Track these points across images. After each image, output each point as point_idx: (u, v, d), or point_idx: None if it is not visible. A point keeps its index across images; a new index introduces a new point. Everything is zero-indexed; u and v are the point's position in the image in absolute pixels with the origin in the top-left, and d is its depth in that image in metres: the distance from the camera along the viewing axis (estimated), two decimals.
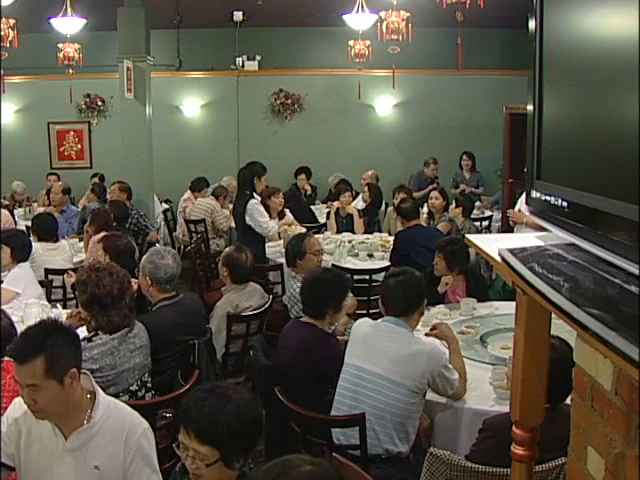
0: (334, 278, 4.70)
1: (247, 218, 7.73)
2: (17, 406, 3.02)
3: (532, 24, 1.73)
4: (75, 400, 2.92)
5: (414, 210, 7.52)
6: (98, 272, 4.18)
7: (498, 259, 1.76)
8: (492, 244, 1.88)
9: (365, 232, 9.20)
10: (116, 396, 4.03)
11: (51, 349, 2.83)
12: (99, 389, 3.06)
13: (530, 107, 1.75)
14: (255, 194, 7.93)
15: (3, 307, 4.75)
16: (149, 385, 4.28)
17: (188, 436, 2.54)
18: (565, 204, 1.56)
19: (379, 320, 4.20)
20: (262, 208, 7.91)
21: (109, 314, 4.10)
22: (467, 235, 2.18)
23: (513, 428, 2.06)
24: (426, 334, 4.31)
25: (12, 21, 8.99)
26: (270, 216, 8.70)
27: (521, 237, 1.93)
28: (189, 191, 11.24)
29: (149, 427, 3.07)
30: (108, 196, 9.99)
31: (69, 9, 9.89)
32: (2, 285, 5.71)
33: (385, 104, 13.68)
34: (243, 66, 13.61)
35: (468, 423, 3.82)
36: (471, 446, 3.45)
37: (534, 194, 1.77)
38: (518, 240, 1.84)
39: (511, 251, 1.68)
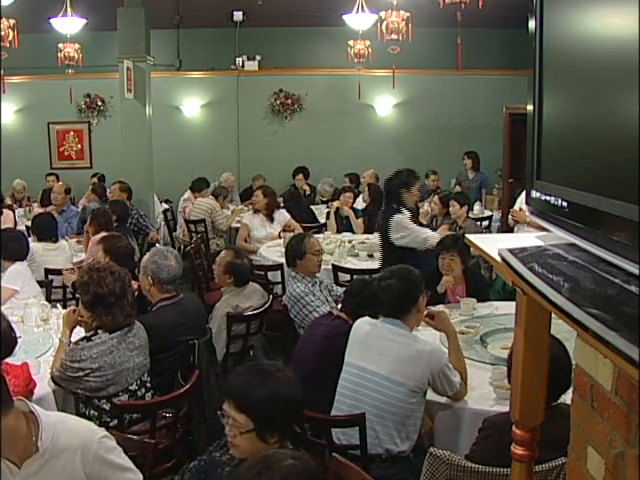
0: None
1: (392, 234, 6.52)
2: None
3: (532, 24, 1.73)
4: (6, 434, 2.64)
5: (416, 210, 7.61)
6: (99, 272, 4.18)
7: (498, 259, 1.75)
8: (492, 244, 1.88)
9: (365, 232, 9.19)
10: (115, 395, 4.04)
11: None
12: (40, 411, 2.82)
13: (530, 107, 1.75)
14: (404, 208, 6.63)
15: (2, 307, 4.75)
16: (148, 385, 4.29)
17: (228, 404, 2.72)
18: (565, 204, 1.56)
19: (378, 320, 4.19)
20: (410, 224, 6.61)
21: (112, 313, 4.11)
22: (467, 235, 2.18)
23: (513, 428, 2.06)
24: (424, 320, 4.29)
25: (12, 21, 8.99)
26: (256, 212, 8.83)
27: (521, 237, 1.93)
28: (189, 191, 11.25)
29: (105, 434, 2.87)
30: (109, 195, 10.01)
31: (69, 9, 9.90)
32: (1, 284, 5.72)
33: (385, 104, 13.69)
34: (243, 66, 13.63)
35: (468, 423, 3.82)
36: (471, 445, 3.45)
37: (534, 194, 1.77)
38: (518, 240, 1.84)
39: (511, 251, 1.68)
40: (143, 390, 4.24)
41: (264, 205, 8.89)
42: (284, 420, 2.75)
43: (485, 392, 4.01)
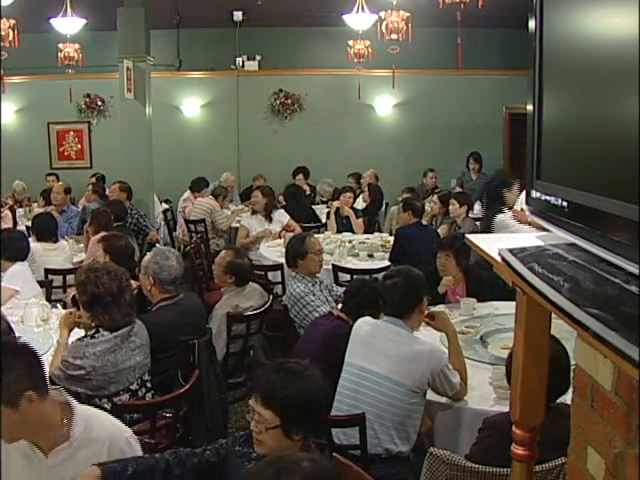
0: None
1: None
2: None
3: (532, 24, 1.73)
4: (42, 420, 2.76)
5: (422, 208, 7.91)
6: (96, 272, 4.19)
7: (498, 259, 1.75)
8: (492, 244, 1.88)
9: (365, 232, 9.20)
10: (116, 395, 4.04)
11: None
12: (75, 402, 2.93)
13: (530, 107, 1.75)
14: (505, 208, 6.67)
15: (3, 308, 4.75)
16: (149, 385, 4.29)
17: (255, 400, 2.78)
18: (565, 204, 1.56)
19: (379, 320, 4.20)
20: (513, 222, 6.52)
21: (110, 312, 4.10)
22: (467, 235, 2.17)
23: (513, 428, 2.06)
24: (424, 320, 4.29)
25: (12, 21, 8.99)
26: (254, 213, 8.85)
27: (521, 237, 1.93)
28: (189, 191, 11.25)
29: (132, 435, 3.00)
30: (108, 195, 10.01)
31: (69, 9, 9.90)
32: (1, 284, 5.72)
33: (385, 104, 13.68)
34: (243, 66, 13.63)
35: (468, 423, 3.82)
36: (471, 445, 3.45)
37: (534, 194, 1.77)
38: (518, 240, 1.84)
39: (511, 251, 1.68)
40: (144, 390, 4.24)
41: (263, 205, 8.91)
42: (310, 418, 2.81)
43: (485, 392, 4.01)
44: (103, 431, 2.91)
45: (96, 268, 4.27)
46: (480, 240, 2.05)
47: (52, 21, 10.13)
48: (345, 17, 10.19)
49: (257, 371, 3.00)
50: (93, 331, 4.12)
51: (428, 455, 3.24)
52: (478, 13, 7.78)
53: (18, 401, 2.65)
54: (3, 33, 8.99)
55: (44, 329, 5.02)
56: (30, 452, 2.83)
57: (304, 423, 2.77)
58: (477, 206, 10.84)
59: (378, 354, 3.96)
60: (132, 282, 5.15)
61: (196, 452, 3.00)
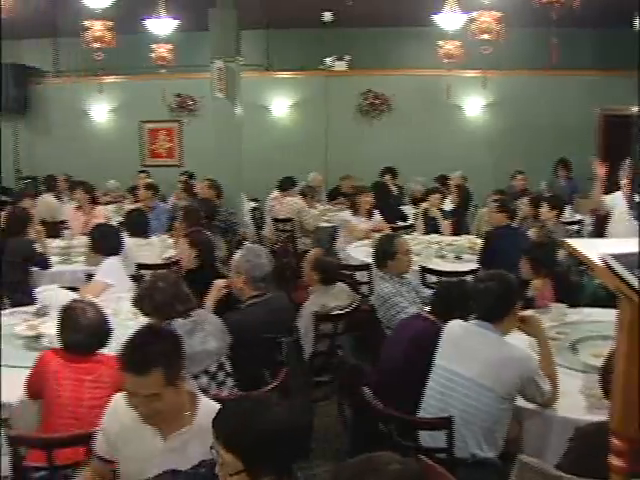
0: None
1: None
2: (119, 404, 3.06)
3: (639, 23, 1.68)
4: (178, 401, 2.98)
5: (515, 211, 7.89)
6: (145, 285, 4.54)
7: (599, 264, 1.71)
8: (591, 248, 1.84)
9: (453, 234, 9.11)
10: (195, 377, 4.14)
11: (167, 358, 2.93)
12: (200, 394, 3.11)
13: (637, 109, 1.71)
14: None
15: (96, 300, 4.89)
16: (228, 369, 4.38)
17: (217, 441, 2.49)
18: None
19: (470, 323, 4.15)
20: None
21: (171, 303, 4.30)
22: (566, 239, 2.13)
23: (611, 438, 2.00)
24: (517, 326, 4.23)
25: (109, 23, 9.21)
26: (355, 213, 8.82)
27: (621, 242, 1.89)
28: (277, 190, 11.34)
29: None
30: (198, 192, 10.17)
31: (162, 10, 10.09)
32: (95, 277, 5.89)
33: (474, 105, 13.55)
34: (332, 66, 13.68)
35: (558, 431, 3.74)
36: (561, 455, 3.37)
37: (639, 198, 1.73)
38: (618, 245, 1.79)
39: (614, 256, 1.64)
40: (223, 373, 4.33)
41: (371, 205, 8.97)
42: (278, 459, 2.48)
43: (575, 400, 3.92)
44: None
45: (142, 286, 4.62)
46: (579, 244, 2.01)
47: (146, 22, 10.34)
48: (435, 17, 10.08)
49: (218, 411, 2.63)
50: (166, 322, 4.26)
51: (517, 462, 3.19)
52: (572, 13, 7.62)
53: (177, 380, 2.95)
54: (100, 34, 9.23)
55: (136, 322, 5.13)
56: (150, 433, 3.00)
57: (271, 464, 2.45)
58: (568, 210, 10.65)
59: (468, 357, 3.91)
60: (221, 280, 5.27)
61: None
